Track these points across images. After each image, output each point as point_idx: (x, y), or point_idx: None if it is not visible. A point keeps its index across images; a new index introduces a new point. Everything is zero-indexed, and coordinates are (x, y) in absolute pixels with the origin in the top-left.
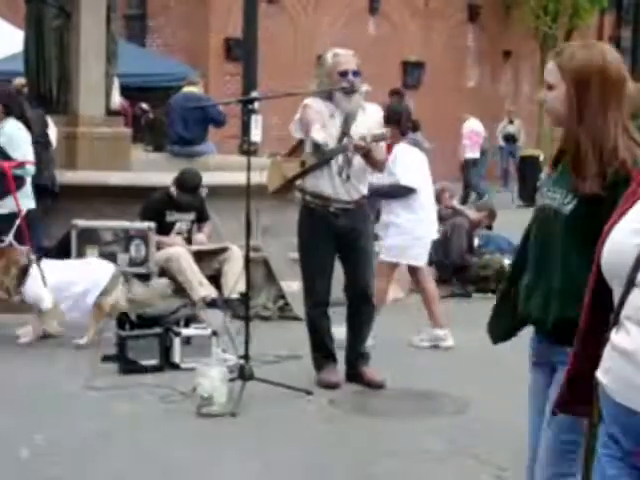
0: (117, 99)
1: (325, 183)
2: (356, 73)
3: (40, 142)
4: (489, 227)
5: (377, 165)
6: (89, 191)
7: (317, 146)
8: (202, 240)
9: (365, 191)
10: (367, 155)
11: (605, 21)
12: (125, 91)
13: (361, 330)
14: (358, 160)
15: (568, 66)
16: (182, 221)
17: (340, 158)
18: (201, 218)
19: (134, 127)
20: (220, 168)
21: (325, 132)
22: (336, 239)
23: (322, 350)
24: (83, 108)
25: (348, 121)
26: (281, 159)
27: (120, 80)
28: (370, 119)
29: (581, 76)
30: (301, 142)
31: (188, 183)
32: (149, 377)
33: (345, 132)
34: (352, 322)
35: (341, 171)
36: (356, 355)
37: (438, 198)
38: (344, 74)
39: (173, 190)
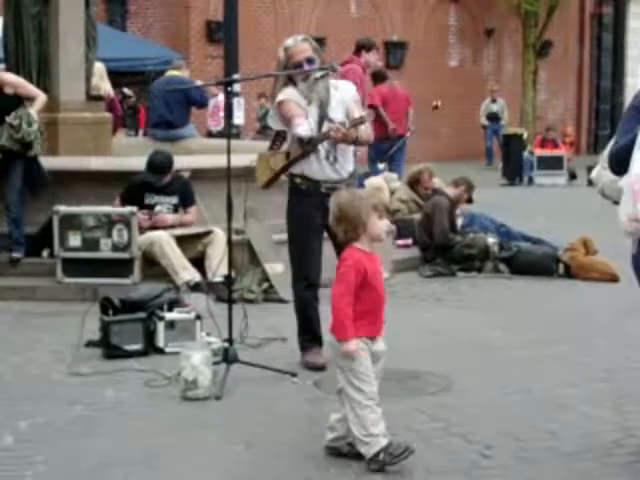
0: (108, 87)
1: (313, 168)
2: (311, 60)
3: None
4: (469, 200)
5: (366, 144)
6: (70, 176)
7: (299, 141)
8: (165, 219)
9: (352, 168)
10: (354, 141)
11: None
12: (108, 76)
13: None
14: None
15: None
16: (162, 204)
17: (326, 142)
18: (186, 202)
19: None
20: (202, 151)
21: (307, 123)
22: (326, 219)
23: (309, 333)
24: (63, 93)
25: (323, 104)
26: (267, 152)
27: (104, 65)
28: (345, 96)
29: None
30: (280, 133)
31: (155, 165)
32: (133, 362)
33: (323, 116)
34: None
35: (328, 155)
36: None
37: (417, 179)
38: (298, 66)
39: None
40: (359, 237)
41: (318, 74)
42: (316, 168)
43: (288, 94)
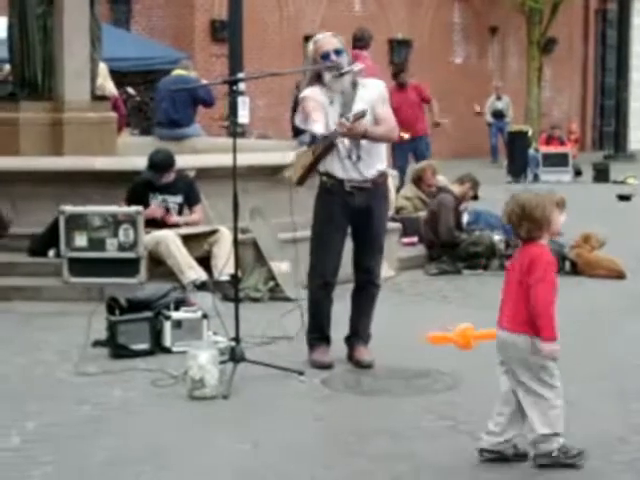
0: (112, 87)
1: (335, 166)
2: (339, 52)
3: None
4: (475, 197)
5: (382, 140)
6: (75, 176)
7: (313, 138)
8: (176, 220)
9: (382, 167)
10: (364, 135)
11: None
12: (111, 75)
13: (363, 309)
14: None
15: None
16: (167, 203)
17: (346, 140)
18: (190, 201)
19: (127, 116)
20: (208, 150)
21: (323, 120)
22: (350, 217)
23: (318, 331)
24: (68, 93)
25: (346, 102)
26: (302, 150)
27: (106, 65)
28: (371, 94)
29: None
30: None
31: (155, 163)
32: (140, 361)
33: (344, 115)
34: (355, 301)
35: (350, 153)
36: (353, 333)
37: (420, 176)
38: (326, 56)
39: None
40: (543, 235)
41: (346, 69)
42: (337, 167)
43: (311, 91)
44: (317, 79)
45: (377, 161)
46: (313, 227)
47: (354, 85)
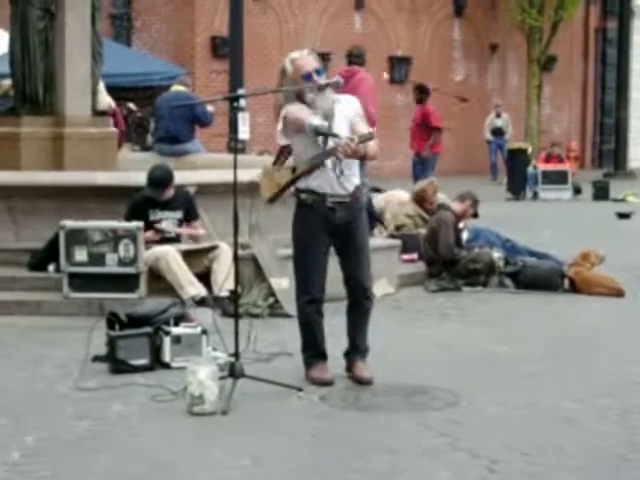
0: (108, 99)
1: (320, 181)
2: (319, 72)
3: None
4: (475, 215)
5: (370, 159)
6: (76, 191)
7: (316, 132)
8: (199, 234)
9: (358, 181)
10: (362, 157)
11: (591, 13)
12: (111, 91)
13: (359, 324)
14: None
15: None
16: (167, 219)
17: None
18: (190, 216)
19: (126, 129)
20: (208, 166)
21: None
22: (332, 233)
23: (313, 349)
24: (69, 108)
25: (328, 120)
26: (272, 167)
27: (106, 80)
28: (347, 109)
29: None
30: (285, 148)
31: (154, 179)
32: (139, 377)
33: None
34: (351, 316)
35: (335, 167)
36: (352, 348)
37: (422, 196)
38: (308, 77)
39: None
40: None
41: (325, 81)
42: (323, 182)
43: (292, 107)
44: (298, 97)
45: (354, 176)
46: (295, 245)
47: (332, 101)
